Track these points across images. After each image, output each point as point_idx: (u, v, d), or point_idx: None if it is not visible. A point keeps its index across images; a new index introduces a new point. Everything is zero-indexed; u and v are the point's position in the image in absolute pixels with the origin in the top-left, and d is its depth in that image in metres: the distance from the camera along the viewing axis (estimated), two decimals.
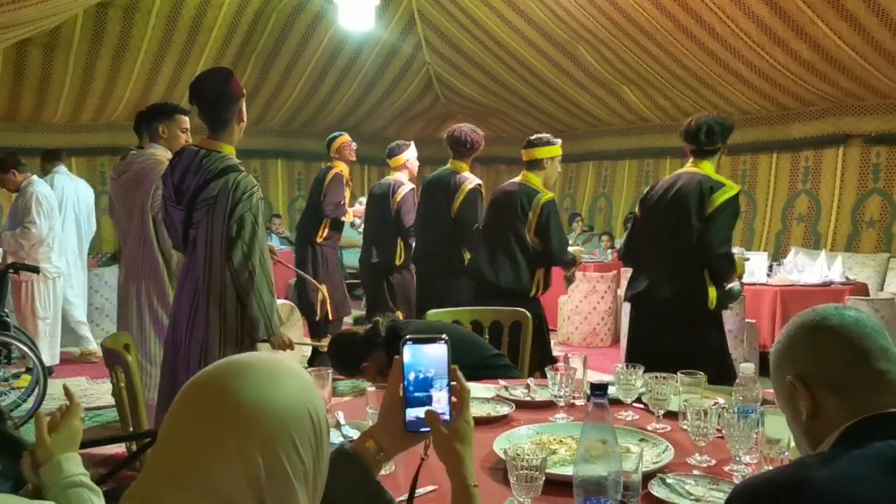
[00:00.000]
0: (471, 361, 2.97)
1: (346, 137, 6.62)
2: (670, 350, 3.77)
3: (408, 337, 1.35)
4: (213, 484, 0.98)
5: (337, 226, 6.52)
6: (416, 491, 1.79)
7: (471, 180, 5.25)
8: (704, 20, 7.44)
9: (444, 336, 1.35)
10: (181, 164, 3.28)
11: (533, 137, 4.78)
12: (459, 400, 1.34)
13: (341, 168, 6.49)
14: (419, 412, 1.33)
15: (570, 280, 5.07)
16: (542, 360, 4.26)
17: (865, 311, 5.37)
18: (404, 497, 1.74)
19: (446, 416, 1.33)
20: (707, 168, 3.92)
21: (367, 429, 1.40)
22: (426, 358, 1.33)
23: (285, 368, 1.07)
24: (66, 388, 1.74)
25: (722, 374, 3.73)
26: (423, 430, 1.34)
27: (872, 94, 7.88)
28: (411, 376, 1.33)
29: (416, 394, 1.33)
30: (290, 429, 1.02)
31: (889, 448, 1.18)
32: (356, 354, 3.10)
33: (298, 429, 1.03)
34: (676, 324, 3.86)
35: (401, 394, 1.34)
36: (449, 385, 1.33)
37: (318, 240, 6.43)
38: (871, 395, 1.28)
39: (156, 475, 1.01)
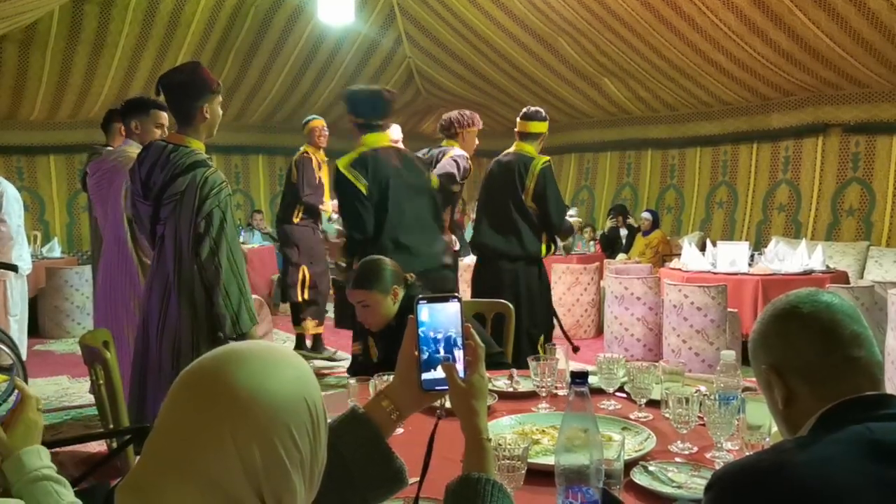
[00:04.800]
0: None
1: (318, 122, 6.58)
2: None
3: (421, 296, 1.37)
4: (209, 473, 0.97)
5: (311, 212, 6.50)
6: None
7: (457, 150, 5.17)
8: (684, 11, 7.45)
9: (457, 294, 1.38)
10: (149, 158, 3.24)
11: (531, 110, 4.83)
12: (473, 356, 1.36)
13: (309, 150, 6.48)
14: (434, 370, 1.35)
15: (568, 249, 5.12)
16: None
17: (846, 299, 5.46)
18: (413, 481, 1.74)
19: (461, 373, 1.35)
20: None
21: (382, 388, 1.42)
22: (440, 316, 1.35)
23: (282, 357, 1.07)
24: (16, 382, 1.71)
25: None
26: (438, 388, 1.36)
27: (851, 83, 7.93)
28: (426, 335, 1.35)
29: (431, 352, 1.35)
30: (287, 418, 1.02)
31: (866, 431, 1.19)
32: (395, 276, 3.00)
33: (295, 418, 1.03)
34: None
35: (415, 353, 1.35)
36: (463, 342, 1.35)
37: (295, 220, 6.46)
38: (844, 382, 1.28)
39: (151, 464, 1.00)
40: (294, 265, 6.47)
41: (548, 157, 4.79)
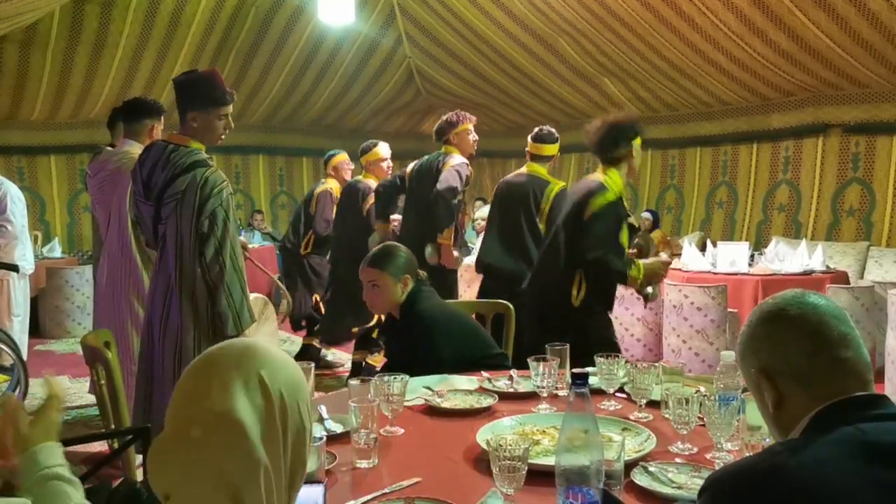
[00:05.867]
0: (471, 356, 2.97)
1: (343, 156, 6.55)
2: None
3: None
4: (241, 410, 1.10)
5: (321, 245, 6.48)
6: (401, 483, 1.80)
7: (457, 158, 5.15)
8: (684, 11, 7.46)
9: (323, 481, 1.31)
10: (150, 159, 3.25)
11: (544, 132, 4.77)
12: None
13: (332, 186, 6.44)
14: None
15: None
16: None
17: (846, 299, 5.37)
18: (374, 495, 1.74)
19: None
20: (612, 176, 3.76)
21: None
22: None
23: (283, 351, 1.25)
24: (48, 380, 1.71)
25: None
26: None
27: (851, 83, 7.93)
28: None
29: None
30: (302, 390, 1.19)
31: (858, 432, 1.19)
32: (408, 264, 3.06)
33: (304, 393, 1.20)
34: (538, 315, 3.86)
35: None
36: None
37: (303, 251, 6.42)
38: (834, 383, 1.29)
39: (177, 423, 1.12)
40: (310, 292, 6.45)
41: (564, 183, 4.75)
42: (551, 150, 4.80)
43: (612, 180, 3.75)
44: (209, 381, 1.13)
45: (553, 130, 4.84)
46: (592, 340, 3.87)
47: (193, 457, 1.09)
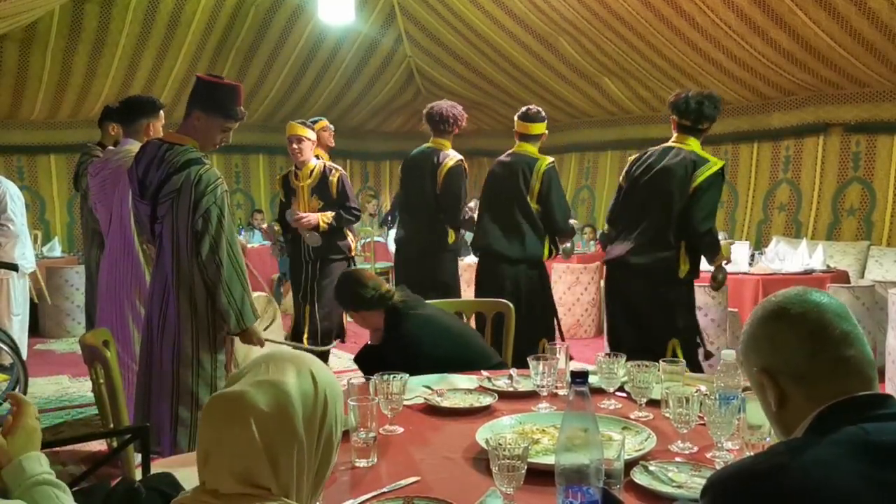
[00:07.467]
0: (479, 367, 2.97)
1: (323, 122, 6.44)
2: (644, 311, 4.01)
3: None
4: (290, 385, 1.24)
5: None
6: (400, 482, 1.80)
7: (452, 157, 5.13)
8: (684, 10, 7.45)
9: None
10: (145, 157, 3.25)
11: (532, 111, 4.78)
12: None
13: (319, 154, 6.36)
14: None
15: (568, 253, 5.05)
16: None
17: (846, 298, 5.37)
18: (373, 494, 1.74)
19: None
20: (693, 144, 3.97)
21: None
22: None
23: None
24: (11, 395, 1.70)
25: (690, 334, 4.02)
26: None
27: (851, 82, 7.92)
28: None
29: None
30: (341, 402, 1.33)
31: (861, 432, 1.18)
32: (360, 299, 3.17)
33: (342, 407, 1.34)
34: (648, 288, 4.03)
35: None
36: None
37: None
38: (837, 382, 1.27)
39: (232, 387, 1.26)
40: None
41: (552, 159, 4.76)
42: (539, 128, 4.79)
43: (698, 149, 3.98)
44: (266, 364, 1.28)
45: (540, 109, 4.85)
46: (691, 312, 4.17)
47: (244, 415, 1.21)
